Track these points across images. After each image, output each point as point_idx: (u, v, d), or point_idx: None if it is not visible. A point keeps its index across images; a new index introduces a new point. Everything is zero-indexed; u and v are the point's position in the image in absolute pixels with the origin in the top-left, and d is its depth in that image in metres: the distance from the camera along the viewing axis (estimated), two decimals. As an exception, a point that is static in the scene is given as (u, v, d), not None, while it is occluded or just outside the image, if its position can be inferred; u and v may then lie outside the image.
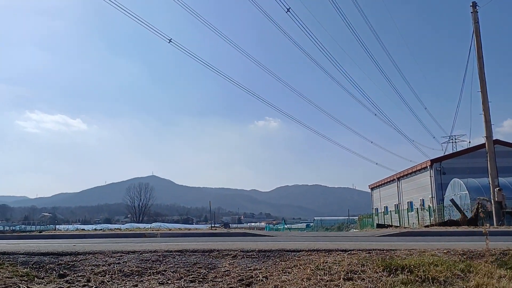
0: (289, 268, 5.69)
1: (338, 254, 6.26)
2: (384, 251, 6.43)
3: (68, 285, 5.19)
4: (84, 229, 23.27)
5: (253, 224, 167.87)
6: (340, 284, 4.95)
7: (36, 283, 5.31)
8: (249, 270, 5.69)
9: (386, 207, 44.71)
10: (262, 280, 5.21)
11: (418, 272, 5.15)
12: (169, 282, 5.20)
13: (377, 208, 48.83)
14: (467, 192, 27.28)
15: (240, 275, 5.45)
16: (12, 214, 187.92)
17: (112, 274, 5.53)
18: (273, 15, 27.90)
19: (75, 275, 5.54)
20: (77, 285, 5.21)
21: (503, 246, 6.36)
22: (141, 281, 5.31)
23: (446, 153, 42.64)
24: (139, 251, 6.53)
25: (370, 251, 6.42)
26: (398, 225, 35.04)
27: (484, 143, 21.90)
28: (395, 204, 41.70)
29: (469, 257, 5.90)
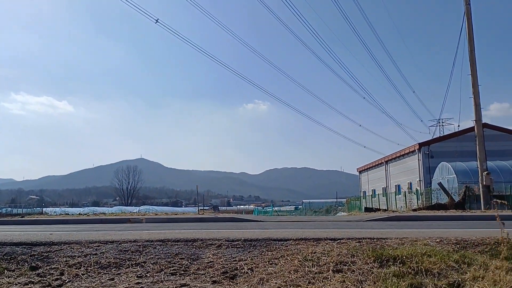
0: (276, 258, 5.41)
1: (327, 244, 6.00)
2: (375, 240, 6.19)
3: (40, 278, 4.85)
4: (68, 213, 22.81)
5: (242, 207, 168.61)
6: (329, 276, 4.69)
7: (6, 276, 4.96)
8: (234, 261, 5.41)
9: (374, 190, 44.94)
10: (247, 273, 4.92)
11: (410, 263, 4.91)
12: (148, 275, 4.89)
13: (365, 191, 49.10)
14: (455, 175, 27.41)
15: (224, 267, 5.16)
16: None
17: (87, 267, 5.19)
18: (263, -5, 27.21)
19: (48, 268, 5.19)
20: (49, 278, 4.86)
21: (496, 234, 6.15)
22: (118, 274, 4.99)
23: (434, 137, 42.84)
24: (118, 241, 6.20)
25: (360, 240, 6.17)
26: (386, 208, 35.21)
27: (473, 127, 21.83)
28: (383, 187, 41.92)
29: (463, 246, 5.68)
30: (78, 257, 5.53)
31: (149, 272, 5.04)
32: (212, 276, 4.84)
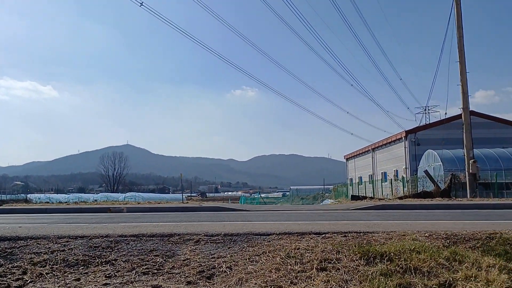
0: (257, 255, 5.08)
1: (311, 238, 5.69)
2: (361, 234, 5.90)
3: (-1, 279, 4.44)
4: (49, 202, 22.25)
5: (230, 193, 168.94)
6: (312, 275, 4.38)
7: (-38, 276, 4.55)
8: (212, 258, 5.06)
9: (361, 177, 45.03)
10: (225, 272, 4.58)
11: (398, 261, 4.62)
12: (118, 274, 4.52)
13: (351, 178, 49.20)
14: (441, 163, 27.40)
15: (201, 265, 4.81)
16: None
17: (53, 265, 4.80)
18: (250, -22, 26.56)
19: (10, 266, 4.78)
20: (9, 278, 4.46)
21: (487, 227, 5.92)
22: (86, 273, 4.61)
23: (421, 124, 42.91)
24: (89, 236, 5.80)
25: (346, 234, 5.88)
26: (372, 195, 35.29)
27: (460, 114, 21.75)
28: (369, 175, 41.98)
29: (453, 241, 5.42)
30: (45, 253, 5.13)
31: (119, 271, 4.67)
32: (187, 276, 4.49)
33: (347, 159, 52.19)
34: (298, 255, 4.95)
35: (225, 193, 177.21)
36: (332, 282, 4.19)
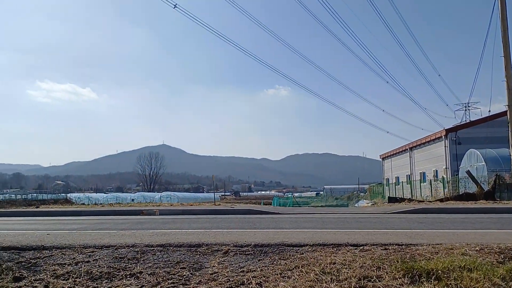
0: (289, 270, 4.71)
1: (348, 251, 5.27)
2: (403, 247, 5.42)
3: (22, 292, 4.30)
4: (84, 204, 22.72)
5: (263, 192, 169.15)
6: (350, 295, 3.98)
7: (-15, 289, 4.43)
8: (241, 272, 4.73)
9: (398, 177, 43.67)
10: (255, 288, 4.25)
11: (447, 280, 4.14)
12: (142, 290, 4.27)
13: (388, 179, 47.82)
14: (484, 163, 26.05)
15: (230, 280, 4.49)
16: (26, 182, 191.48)
17: (76, 278, 4.61)
18: (281, -25, 26.15)
19: (33, 278, 4.63)
20: (32, 292, 4.31)
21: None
22: (109, 287, 4.39)
23: (461, 122, 41.13)
24: (115, 246, 5.62)
25: (387, 247, 5.41)
26: (410, 196, 34.09)
27: (505, 111, 20.52)
28: (407, 175, 40.62)
29: (509, 257, 4.85)
30: (69, 265, 4.96)
31: (144, 286, 4.42)
32: (214, 293, 4.19)
33: (383, 159, 50.77)
34: (334, 271, 4.54)
35: (258, 192, 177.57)
36: (373, 304, 3.78)
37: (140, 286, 4.42)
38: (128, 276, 4.68)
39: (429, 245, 5.51)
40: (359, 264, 4.70)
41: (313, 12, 29.63)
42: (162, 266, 4.97)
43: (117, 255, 5.23)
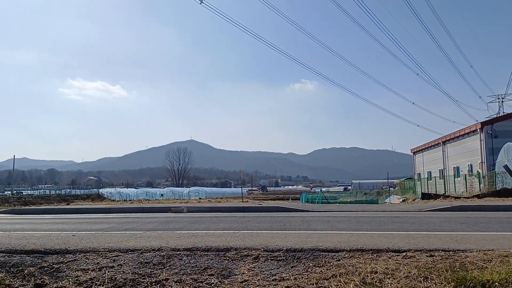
0: (326, 279, 4.32)
1: (389, 258, 4.82)
2: (451, 253, 4.93)
3: (43, 300, 4.09)
4: (114, 200, 22.90)
5: (290, 187, 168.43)
6: (396, 310, 3.56)
7: (7, 295, 4.26)
8: (273, 280, 4.38)
9: (430, 172, 42.27)
10: (288, 301, 3.89)
11: (507, 294, 3.66)
12: (167, 300, 3.98)
13: (419, 173, 46.40)
14: (524, 157, 24.73)
15: (261, 290, 4.15)
16: (60, 178, 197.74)
17: (99, 285, 4.37)
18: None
19: (54, 285, 4.41)
20: (53, 300, 4.09)
21: None
22: (133, 296, 4.13)
23: (492, 114, 39.44)
24: (140, 250, 5.36)
25: (432, 253, 4.94)
26: (444, 192, 32.90)
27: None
28: (439, 169, 39.23)
29: None
30: (92, 270, 4.73)
31: (169, 295, 4.14)
32: (245, 304, 3.86)
33: (414, 153, 49.28)
34: (376, 282, 4.13)
35: (285, 187, 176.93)
36: (423, 322, 3.36)
37: (165, 295, 4.15)
38: (153, 284, 4.40)
39: (479, 251, 5.00)
40: (404, 273, 4.26)
41: (340, 4, 28.84)
42: (189, 272, 4.68)
43: (142, 260, 4.97)
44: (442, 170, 38.56)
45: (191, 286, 4.32)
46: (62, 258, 5.13)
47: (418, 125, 44.76)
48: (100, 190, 71.03)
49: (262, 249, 5.30)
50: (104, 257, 5.13)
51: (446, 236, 6.29)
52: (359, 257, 4.90)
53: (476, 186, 28.03)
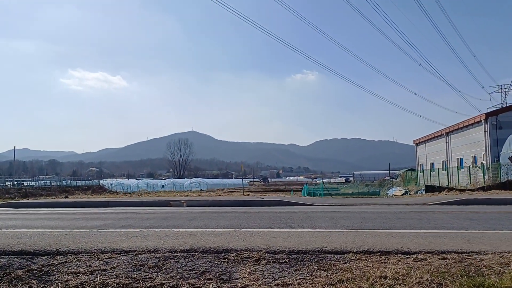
0: (332, 284, 4.03)
1: (399, 260, 4.53)
2: (464, 255, 4.64)
3: (30, 307, 3.82)
4: (115, 191, 22.67)
5: (291, 178, 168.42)
6: (409, 322, 3.28)
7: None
8: (275, 285, 4.09)
9: (433, 163, 41.97)
10: (292, 309, 3.61)
11: (530, 304, 3.38)
12: (162, 309, 3.70)
13: (422, 165, 46.11)
14: (529, 149, 24.40)
15: (262, 296, 3.87)
16: (61, 169, 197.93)
17: (90, 290, 4.10)
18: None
19: (43, 291, 4.15)
20: (41, 307, 3.82)
21: None
22: (126, 303, 3.85)
23: (495, 104, 38.98)
24: (135, 251, 5.09)
25: (444, 255, 4.65)
26: (447, 184, 32.63)
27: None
28: (442, 161, 38.92)
29: None
30: (83, 274, 4.45)
31: (164, 302, 3.86)
32: (245, 314, 3.58)
33: (416, 144, 48.93)
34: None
35: (287, 178, 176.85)
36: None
37: (160, 302, 3.87)
38: (147, 289, 4.13)
39: (494, 253, 4.71)
40: (415, 279, 3.98)
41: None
42: (186, 276, 4.40)
43: (136, 263, 4.69)
44: (445, 161, 38.25)
45: (188, 292, 4.04)
46: (52, 260, 4.85)
47: (420, 116, 44.56)
48: (101, 181, 70.91)
49: (264, 251, 5.02)
50: (96, 259, 4.85)
51: (457, 235, 6.00)
52: (366, 260, 4.61)
53: (480, 178, 27.75)
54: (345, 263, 4.55)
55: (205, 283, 4.24)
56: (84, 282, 4.28)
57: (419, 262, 4.46)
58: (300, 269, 4.48)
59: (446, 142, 38.27)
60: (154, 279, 4.33)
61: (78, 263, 4.77)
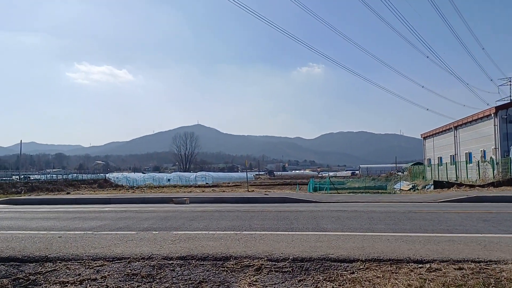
0: (338, 299, 3.72)
1: (411, 270, 4.19)
2: (482, 265, 4.29)
3: (12, 322, 3.53)
4: (121, 184, 22.42)
5: (297, 171, 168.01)
6: None
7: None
8: (277, 298, 3.79)
9: (441, 158, 41.39)
10: (295, 328, 3.29)
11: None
12: (153, 326, 3.40)
13: (429, 159, 45.52)
14: (540, 143, 23.83)
15: (263, 312, 3.56)
16: (68, 162, 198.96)
17: (78, 303, 3.81)
18: None
19: (28, 302, 3.87)
20: (25, 322, 3.53)
21: None
22: (115, 319, 3.55)
23: (504, 97, 38.24)
24: (128, 258, 4.79)
25: (461, 265, 4.30)
26: (455, 178, 32.13)
27: None
28: (450, 155, 38.34)
29: None
30: (72, 284, 4.15)
31: (156, 318, 3.56)
32: (243, 333, 3.27)
33: (424, 138, 48.29)
34: (398, 304, 3.52)
35: (293, 171, 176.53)
36: None
37: (152, 318, 3.57)
38: (139, 302, 3.83)
39: (515, 262, 4.35)
40: (430, 293, 3.64)
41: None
42: (181, 286, 4.09)
43: (129, 271, 4.39)
44: (453, 155, 37.68)
45: (183, 306, 3.74)
46: (40, 268, 4.57)
47: (427, 109, 43.97)
48: (107, 175, 70.98)
49: (266, 258, 4.69)
50: (87, 267, 4.56)
51: (471, 240, 5.64)
52: (376, 269, 4.27)
53: (490, 173, 27.24)
54: (353, 273, 4.22)
55: (201, 295, 3.94)
56: (72, 293, 4.00)
57: (433, 273, 4.11)
58: (305, 279, 4.16)
59: (454, 136, 37.68)
60: (147, 291, 4.03)
61: (68, 271, 4.47)
